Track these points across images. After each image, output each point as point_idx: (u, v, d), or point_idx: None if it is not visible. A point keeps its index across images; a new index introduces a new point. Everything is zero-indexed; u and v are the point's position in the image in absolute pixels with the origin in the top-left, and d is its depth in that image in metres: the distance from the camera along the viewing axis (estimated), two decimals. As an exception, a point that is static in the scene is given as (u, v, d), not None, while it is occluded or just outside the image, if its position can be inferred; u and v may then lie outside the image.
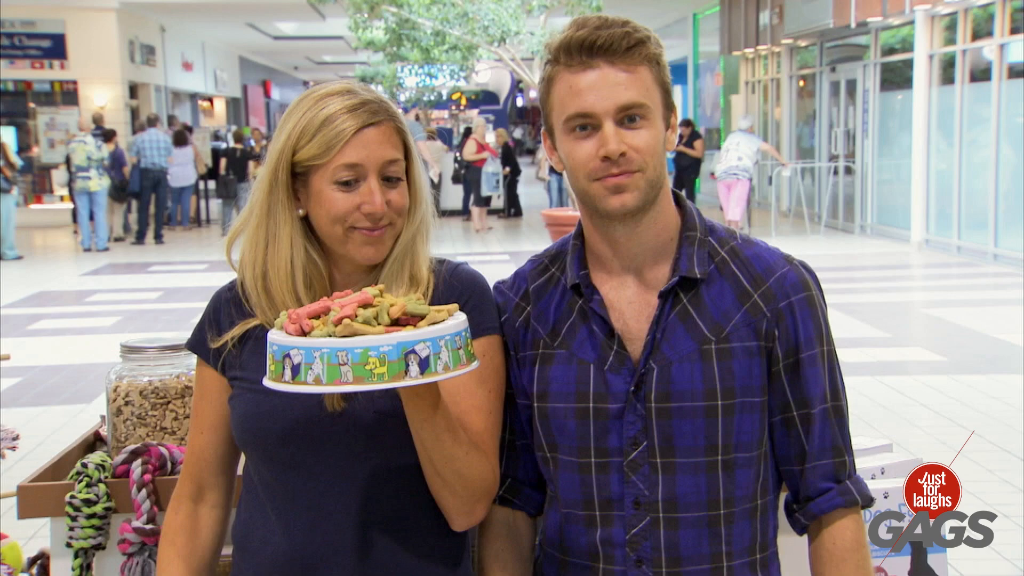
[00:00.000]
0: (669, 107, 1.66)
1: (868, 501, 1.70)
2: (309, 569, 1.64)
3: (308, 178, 1.64)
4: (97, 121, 17.26)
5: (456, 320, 1.45)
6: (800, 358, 1.67)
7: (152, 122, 17.78)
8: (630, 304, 1.67)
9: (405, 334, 1.39)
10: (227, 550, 1.80)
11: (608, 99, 1.58)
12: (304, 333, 1.42)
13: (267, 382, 1.44)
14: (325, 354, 1.38)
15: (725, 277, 1.67)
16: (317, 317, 1.45)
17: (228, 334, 1.71)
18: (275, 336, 1.44)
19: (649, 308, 1.66)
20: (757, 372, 1.65)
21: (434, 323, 1.43)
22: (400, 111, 1.70)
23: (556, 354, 1.69)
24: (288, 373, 1.40)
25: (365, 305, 1.44)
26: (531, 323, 1.72)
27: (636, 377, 1.64)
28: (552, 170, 17.86)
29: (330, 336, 1.40)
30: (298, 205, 1.67)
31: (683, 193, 1.75)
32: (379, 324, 1.42)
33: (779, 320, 1.66)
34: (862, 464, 1.93)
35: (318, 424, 1.62)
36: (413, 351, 1.38)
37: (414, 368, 1.38)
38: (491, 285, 1.78)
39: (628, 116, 1.59)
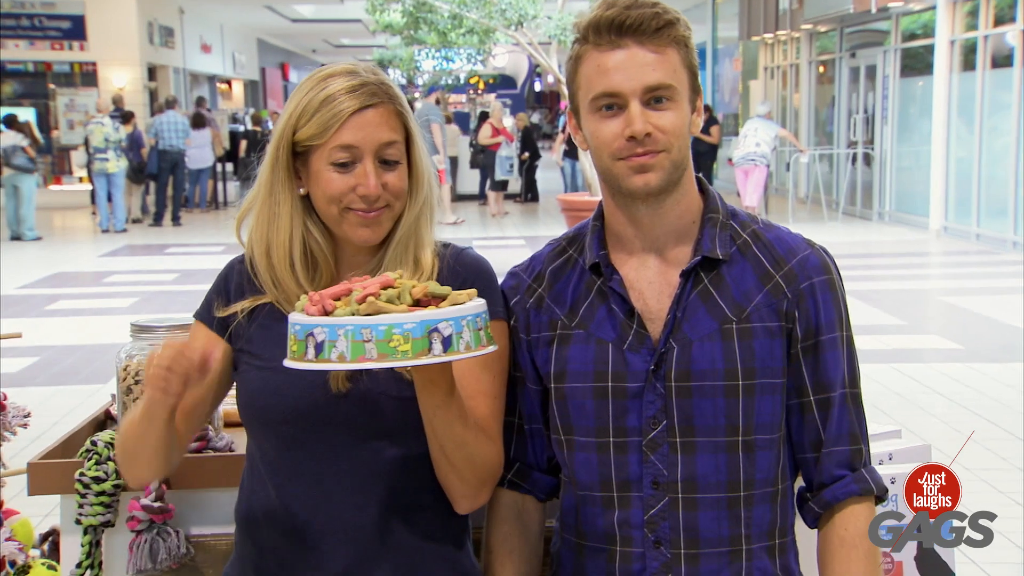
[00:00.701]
0: (696, 90, 1.65)
1: (883, 492, 1.69)
2: (311, 548, 1.63)
3: (308, 158, 1.65)
4: (116, 103, 17.29)
5: (477, 302, 1.47)
6: (820, 340, 1.65)
7: (170, 104, 17.81)
8: (650, 284, 1.66)
9: (429, 312, 1.41)
10: (229, 528, 1.80)
11: (635, 79, 1.58)
12: (327, 314, 1.43)
13: (288, 363, 1.44)
14: (349, 331, 1.39)
15: (747, 259, 1.66)
16: (339, 299, 1.46)
17: (239, 304, 1.70)
18: (297, 317, 1.45)
19: (670, 288, 1.65)
20: (778, 353, 1.64)
21: (455, 304, 1.44)
22: (402, 93, 1.69)
23: (574, 334, 1.68)
24: (312, 351, 1.41)
25: (387, 287, 1.46)
26: (544, 303, 1.71)
27: (656, 356, 1.62)
28: (566, 155, 17.80)
29: (353, 314, 1.41)
30: (299, 184, 1.67)
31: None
32: (401, 303, 1.43)
33: (800, 301, 1.65)
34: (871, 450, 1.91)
35: (323, 404, 1.62)
36: (436, 329, 1.40)
37: (437, 346, 1.40)
38: (507, 269, 1.78)
39: (655, 97, 1.59)
